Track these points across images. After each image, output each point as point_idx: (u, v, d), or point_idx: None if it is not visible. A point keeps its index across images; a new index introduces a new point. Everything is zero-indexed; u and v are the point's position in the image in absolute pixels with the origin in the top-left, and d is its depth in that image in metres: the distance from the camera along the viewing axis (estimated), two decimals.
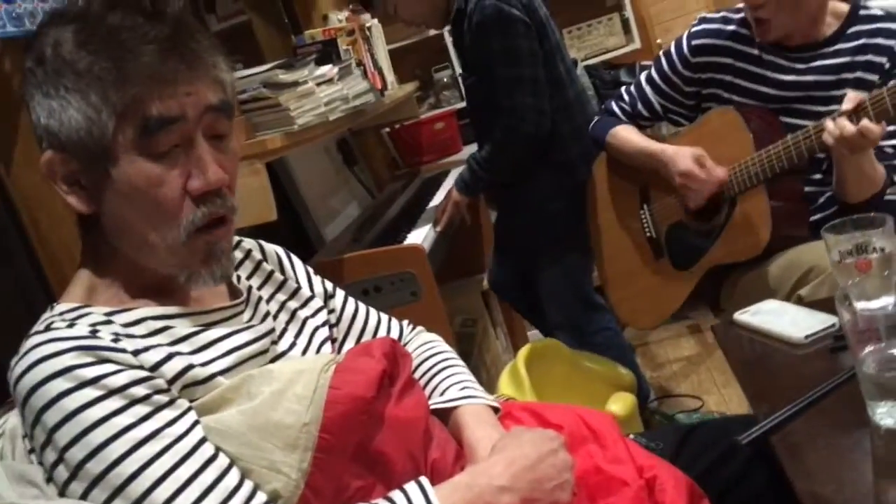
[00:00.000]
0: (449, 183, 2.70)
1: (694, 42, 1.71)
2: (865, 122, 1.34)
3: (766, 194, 1.57)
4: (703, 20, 1.73)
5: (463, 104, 3.42)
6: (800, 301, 1.42)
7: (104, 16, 0.81)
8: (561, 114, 2.07)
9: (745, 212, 1.62)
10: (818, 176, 1.62)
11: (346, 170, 2.84)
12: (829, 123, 1.40)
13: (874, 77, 1.54)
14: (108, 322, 0.83)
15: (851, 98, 1.38)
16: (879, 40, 1.54)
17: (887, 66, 1.54)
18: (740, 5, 1.63)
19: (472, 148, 2.86)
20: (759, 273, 1.60)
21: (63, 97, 0.81)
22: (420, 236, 1.95)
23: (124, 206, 0.84)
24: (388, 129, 3.14)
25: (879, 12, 1.58)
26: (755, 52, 1.63)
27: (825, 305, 1.12)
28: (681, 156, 1.65)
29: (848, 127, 1.36)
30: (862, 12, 1.58)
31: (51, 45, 0.81)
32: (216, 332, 0.91)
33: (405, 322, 1.23)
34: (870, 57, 1.55)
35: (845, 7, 1.59)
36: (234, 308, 0.95)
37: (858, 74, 1.55)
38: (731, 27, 1.67)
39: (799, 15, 1.54)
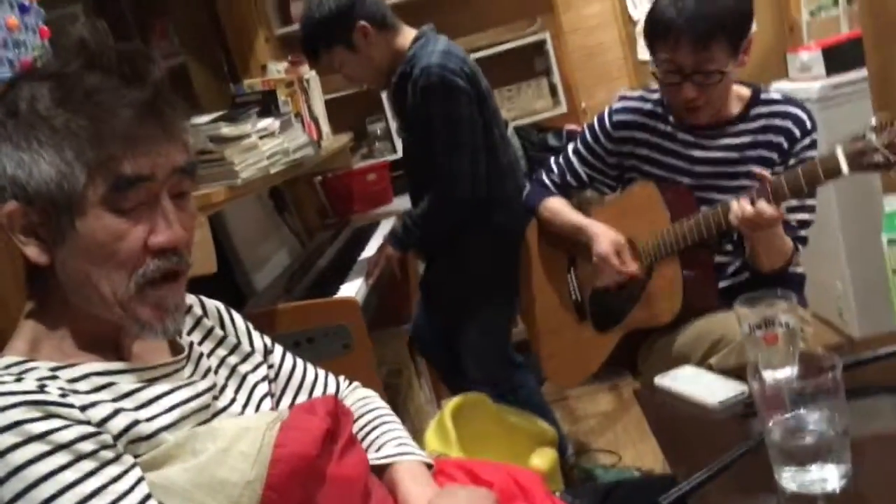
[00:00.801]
0: (379, 233, 2.74)
1: (615, 118, 1.83)
2: (762, 203, 1.46)
3: (679, 264, 1.68)
4: (623, 98, 1.86)
5: (395, 156, 3.49)
6: (710, 369, 1.51)
7: (82, 76, 0.83)
8: (494, 179, 2.14)
9: (659, 280, 1.72)
10: (729, 247, 1.75)
11: (277, 216, 2.84)
12: (733, 204, 1.51)
13: (774, 155, 1.69)
14: (54, 377, 0.84)
15: (759, 174, 1.50)
16: (778, 122, 1.69)
17: (786, 145, 1.68)
18: (656, 86, 1.75)
19: (402, 199, 2.92)
20: (673, 339, 1.70)
21: (36, 150, 0.82)
22: (353, 289, 1.98)
23: (82, 257, 0.85)
24: (320, 178, 3.17)
25: (778, 96, 1.73)
26: (669, 129, 1.76)
27: (737, 373, 1.21)
28: (603, 238, 1.76)
29: (747, 208, 1.48)
30: (763, 96, 1.72)
31: (26, 100, 0.83)
32: (159, 388, 0.92)
33: (341, 377, 1.25)
34: (770, 137, 1.69)
35: (747, 91, 1.73)
36: (176, 364, 0.97)
37: (760, 152, 1.69)
38: (648, 106, 1.80)
39: (724, 101, 1.68)
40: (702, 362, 1.56)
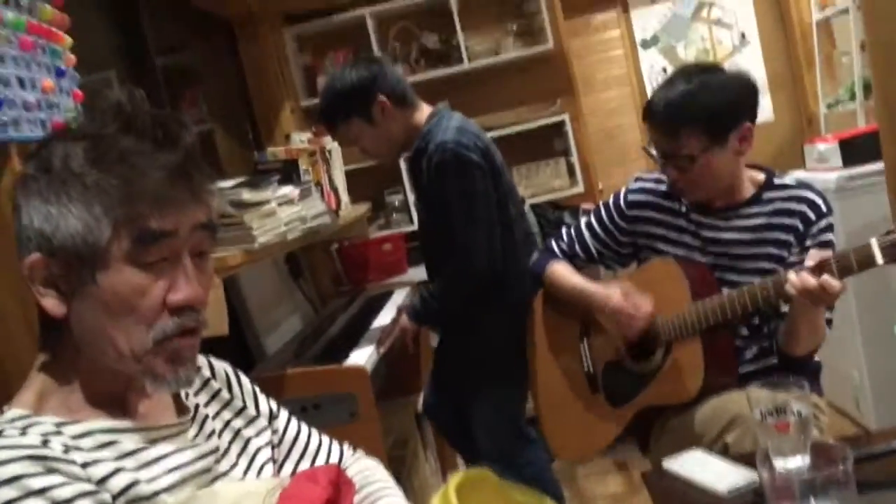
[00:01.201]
0: (393, 303, 2.75)
1: (630, 198, 1.86)
2: (826, 276, 1.44)
3: (700, 345, 1.66)
4: (639, 179, 1.88)
5: (412, 227, 3.53)
6: (726, 449, 1.49)
7: (117, 138, 0.86)
8: (509, 254, 2.16)
9: (679, 359, 1.70)
10: (745, 332, 1.73)
11: (292, 282, 2.87)
12: (791, 275, 1.48)
13: (789, 237, 1.69)
14: (58, 433, 0.84)
15: (814, 255, 1.48)
16: (792, 205, 1.70)
17: (801, 227, 1.69)
18: None
19: (417, 269, 2.95)
20: (688, 417, 1.67)
21: (65, 205, 0.85)
22: (363, 357, 1.97)
23: (100, 310, 0.86)
24: (336, 246, 3.21)
25: (791, 181, 1.76)
26: (683, 209, 1.78)
27: (747, 459, 1.19)
28: (609, 296, 1.76)
29: (810, 280, 1.45)
30: (776, 181, 1.75)
31: (60, 157, 0.86)
32: (161, 448, 0.91)
33: (346, 445, 1.24)
34: (784, 220, 1.70)
35: (762, 176, 1.76)
36: (181, 425, 0.96)
37: (777, 235, 1.70)
38: (663, 187, 1.82)
39: (716, 183, 1.70)
40: (716, 441, 1.54)
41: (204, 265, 0.93)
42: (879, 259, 1.38)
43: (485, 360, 2.24)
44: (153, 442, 0.91)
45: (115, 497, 0.82)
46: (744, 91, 1.66)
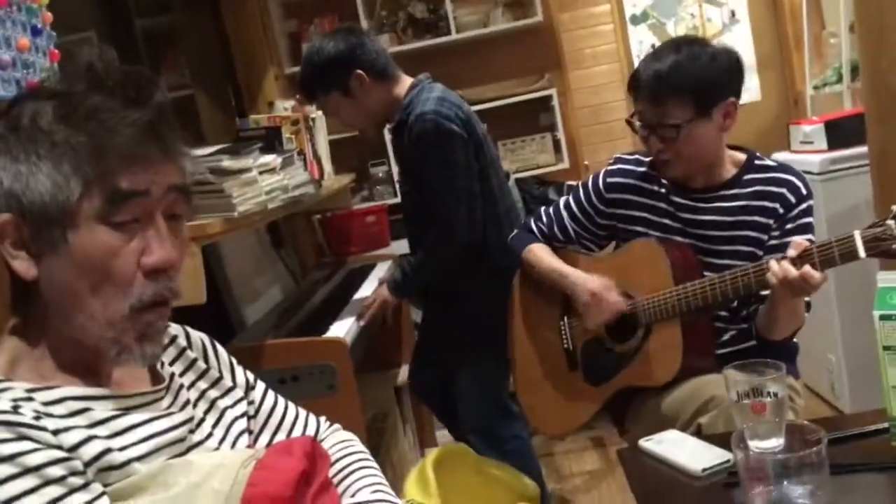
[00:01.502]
0: (375, 275, 2.74)
1: (609, 179, 1.85)
2: (808, 268, 1.44)
3: (679, 328, 1.67)
4: (619, 160, 1.87)
5: (396, 200, 3.50)
6: (699, 430, 1.49)
7: (87, 96, 0.85)
8: (491, 226, 2.16)
9: (658, 341, 1.71)
10: (725, 314, 1.74)
11: (273, 252, 2.84)
12: (773, 264, 1.49)
13: (769, 221, 1.69)
14: (30, 399, 0.82)
15: (797, 244, 1.48)
16: (772, 188, 1.70)
17: (781, 210, 1.68)
18: None
19: (400, 243, 2.93)
20: (664, 398, 1.68)
21: (34, 163, 0.83)
22: (343, 329, 1.96)
23: (73, 273, 0.85)
24: (319, 217, 3.18)
25: (772, 163, 1.75)
26: (663, 191, 1.77)
27: (722, 440, 1.20)
28: (585, 281, 1.77)
29: (791, 271, 1.45)
30: (757, 162, 1.74)
31: (28, 116, 0.84)
32: (135, 417, 0.90)
33: (322, 418, 1.23)
34: (764, 203, 1.69)
35: (742, 156, 1.76)
36: (155, 394, 0.95)
37: (755, 217, 1.70)
38: (642, 168, 1.81)
39: (695, 161, 1.70)
40: (691, 422, 1.55)
41: (178, 228, 0.92)
42: (862, 252, 1.37)
43: (468, 332, 2.24)
44: (126, 410, 0.90)
45: (86, 465, 0.81)
46: (731, 66, 1.67)
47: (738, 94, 1.68)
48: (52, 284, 0.86)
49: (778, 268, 1.47)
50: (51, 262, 0.85)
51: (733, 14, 4.27)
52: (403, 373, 2.86)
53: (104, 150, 0.83)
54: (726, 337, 1.74)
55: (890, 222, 1.34)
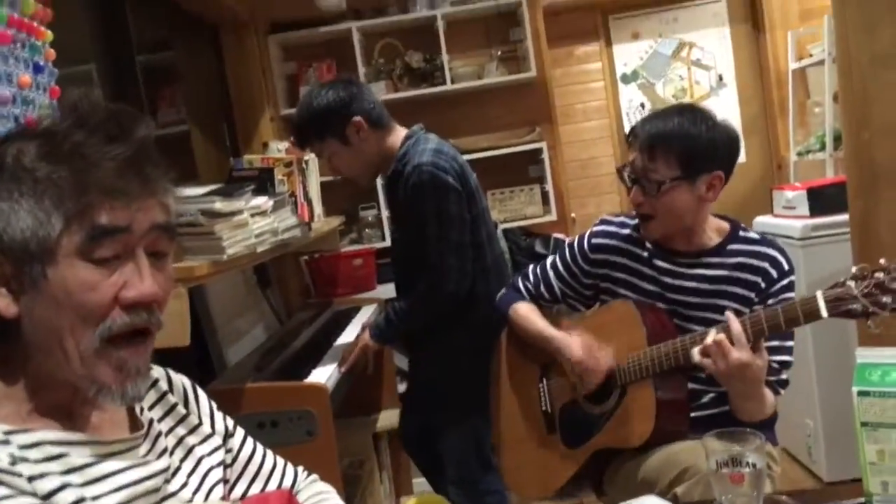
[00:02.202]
0: (360, 318, 2.74)
1: (594, 241, 1.88)
2: (722, 336, 1.48)
3: (653, 389, 1.67)
4: (604, 221, 1.91)
5: (384, 244, 3.52)
6: (675, 499, 1.49)
7: (70, 133, 0.85)
8: (479, 277, 2.18)
9: (632, 402, 1.71)
10: (703, 375, 1.74)
11: (259, 291, 2.84)
12: (709, 334, 1.52)
13: (751, 294, 1.71)
14: (6, 442, 0.82)
15: (729, 316, 1.51)
16: (755, 261, 1.72)
17: (763, 285, 1.71)
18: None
19: (386, 287, 2.93)
20: (640, 463, 1.67)
21: (16, 200, 0.83)
22: (325, 375, 1.96)
23: (52, 309, 0.84)
24: (306, 258, 3.19)
25: (756, 236, 1.78)
26: (646, 254, 1.80)
27: None
28: (572, 345, 1.77)
29: (707, 339, 1.50)
30: (741, 233, 1.77)
31: (12, 155, 0.85)
32: (111, 464, 0.89)
33: (300, 468, 1.22)
34: (747, 275, 1.72)
35: (727, 226, 1.79)
36: (133, 441, 0.94)
37: (735, 289, 1.72)
38: (627, 231, 1.84)
39: (676, 220, 1.72)
40: (668, 491, 1.54)
41: (162, 265, 0.91)
42: (824, 312, 1.40)
43: (454, 384, 2.25)
44: (103, 457, 0.89)
45: None
46: (727, 141, 1.71)
47: (727, 171, 1.71)
48: (32, 322, 0.86)
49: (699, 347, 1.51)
50: (31, 299, 0.85)
51: (721, 78, 4.38)
52: (383, 418, 2.84)
53: (85, 184, 0.83)
54: (705, 399, 1.75)
55: (850, 283, 1.37)
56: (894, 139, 2.08)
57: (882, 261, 1.35)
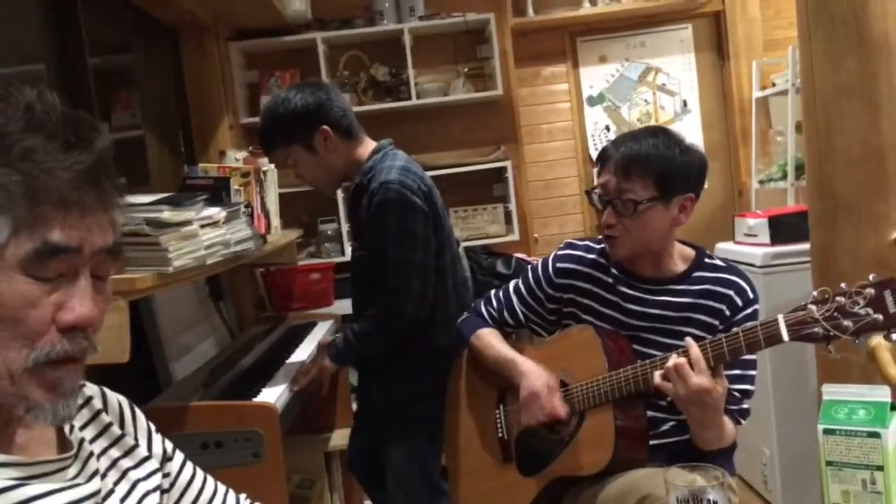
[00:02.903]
0: (315, 335, 2.67)
1: (558, 265, 1.85)
2: (682, 360, 1.47)
3: (612, 414, 1.64)
4: (569, 245, 1.88)
5: (343, 259, 3.46)
6: None
7: (22, 137, 0.79)
8: (439, 302, 2.12)
9: (591, 428, 1.67)
10: (663, 403, 1.72)
11: (211, 304, 2.75)
12: (670, 359, 1.50)
13: (715, 321, 1.70)
14: None
15: (689, 342, 1.50)
16: (720, 289, 1.71)
17: (727, 312, 1.70)
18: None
19: (343, 302, 2.87)
20: (599, 491, 1.63)
21: None
22: (274, 394, 1.88)
23: None
24: (262, 270, 3.11)
25: (722, 263, 1.77)
26: (610, 280, 1.78)
27: None
28: (534, 376, 1.73)
29: (668, 363, 1.49)
30: (707, 260, 1.76)
31: None
32: (36, 488, 0.82)
33: (243, 496, 1.16)
34: (711, 302, 1.71)
35: (692, 252, 1.78)
36: (61, 462, 0.87)
37: (700, 316, 1.71)
38: (592, 256, 1.82)
39: (642, 243, 1.71)
40: None
41: (102, 287, 0.86)
42: (785, 336, 1.40)
43: (403, 404, 2.18)
44: (26, 479, 0.82)
45: None
46: (699, 164, 1.72)
47: (697, 193, 1.72)
48: None
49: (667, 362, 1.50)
50: None
51: (685, 104, 4.42)
52: (335, 438, 2.77)
53: (38, 193, 0.77)
54: (665, 427, 1.72)
55: (811, 307, 1.36)
56: (856, 170, 2.09)
57: (843, 285, 1.35)
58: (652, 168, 1.66)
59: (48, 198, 0.78)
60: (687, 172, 1.69)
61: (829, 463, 1.00)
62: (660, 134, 1.71)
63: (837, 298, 1.34)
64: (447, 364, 2.01)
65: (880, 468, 0.96)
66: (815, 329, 1.35)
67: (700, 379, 1.45)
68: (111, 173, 0.85)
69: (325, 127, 2.09)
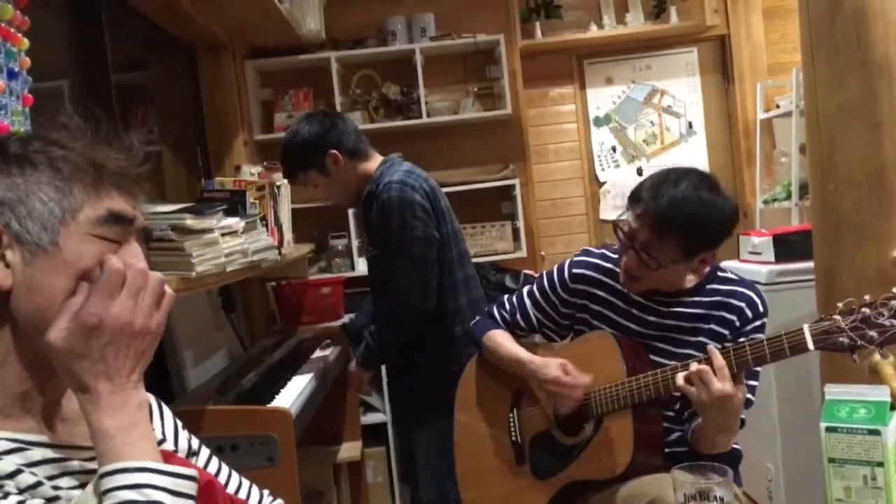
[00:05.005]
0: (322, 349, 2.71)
1: (574, 270, 1.87)
2: (705, 367, 1.50)
3: (631, 420, 1.67)
4: (586, 252, 1.91)
5: (353, 273, 3.51)
6: None
7: (69, 140, 0.89)
8: (449, 293, 2.26)
9: (608, 433, 1.70)
10: (670, 413, 1.75)
11: (224, 315, 2.79)
12: (692, 365, 1.54)
13: (725, 331, 1.73)
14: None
15: (711, 350, 1.53)
16: (733, 301, 1.75)
17: (737, 323, 1.73)
18: (617, 245, 1.81)
19: (352, 317, 2.91)
20: (609, 496, 1.66)
21: (30, 174, 0.86)
22: (288, 399, 1.92)
23: (57, 275, 0.83)
24: (273, 284, 3.16)
25: (734, 277, 1.80)
26: (624, 290, 1.80)
27: None
28: (548, 365, 1.76)
29: (692, 367, 1.52)
30: (719, 273, 1.79)
31: (16, 145, 0.88)
32: (75, 464, 0.87)
33: (266, 492, 1.19)
34: (723, 313, 1.74)
35: (706, 268, 1.79)
36: (92, 451, 0.91)
37: (712, 326, 1.74)
38: (608, 264, 1.84)
39: (660, 285, 1.74)
40: None
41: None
42: (811, 345, 1.42)
43: (425, 397, 2.28)
44: (64, 460, 0.87)
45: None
46: (731, 223, 1.69)
47: (719, 246, 1.71)
48: (30, 294, 0.83)
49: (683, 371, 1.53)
50: (32, 268, 0.83)
51: (691, 125, 4.47)
52: (344, 450, 2.80)
53: (102, 173, 0.87)
54: (673, 437, 1.75)
55: (837, 317, 1.39)
56: (859, 190, 2.12)
57: (867, 297, 1.37)
58: (685, 231, 1.62)
59: (109, 178, 0.88)
60: (718, 234, 1.67)
61: (831, 460, 1.03)
62: (700, 188, 1.64)
63: (863, 309, 1.36)
64: (462, 352, 2.10)
65: (881, 464, 1.00)
66: (842, 339, 1.37)
67: (723, 385, 1.49)
68: (142, 179, 0.94)
69: (334, 151, 2.29)
